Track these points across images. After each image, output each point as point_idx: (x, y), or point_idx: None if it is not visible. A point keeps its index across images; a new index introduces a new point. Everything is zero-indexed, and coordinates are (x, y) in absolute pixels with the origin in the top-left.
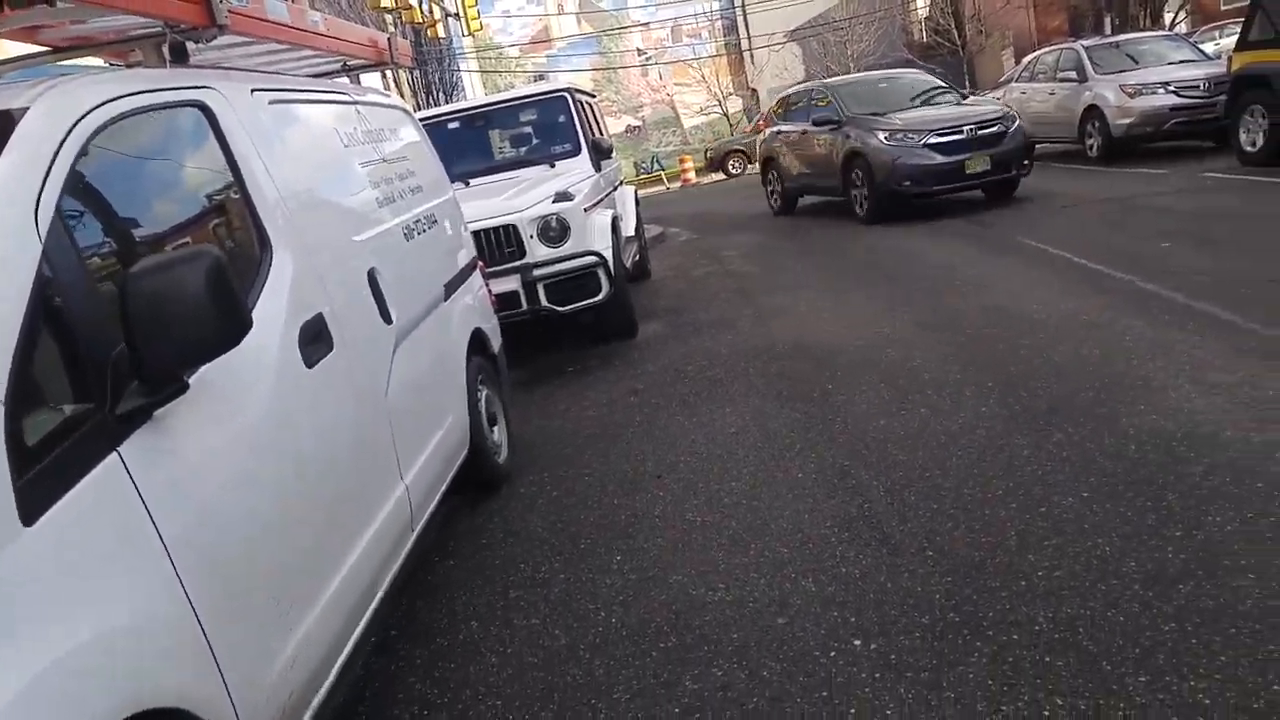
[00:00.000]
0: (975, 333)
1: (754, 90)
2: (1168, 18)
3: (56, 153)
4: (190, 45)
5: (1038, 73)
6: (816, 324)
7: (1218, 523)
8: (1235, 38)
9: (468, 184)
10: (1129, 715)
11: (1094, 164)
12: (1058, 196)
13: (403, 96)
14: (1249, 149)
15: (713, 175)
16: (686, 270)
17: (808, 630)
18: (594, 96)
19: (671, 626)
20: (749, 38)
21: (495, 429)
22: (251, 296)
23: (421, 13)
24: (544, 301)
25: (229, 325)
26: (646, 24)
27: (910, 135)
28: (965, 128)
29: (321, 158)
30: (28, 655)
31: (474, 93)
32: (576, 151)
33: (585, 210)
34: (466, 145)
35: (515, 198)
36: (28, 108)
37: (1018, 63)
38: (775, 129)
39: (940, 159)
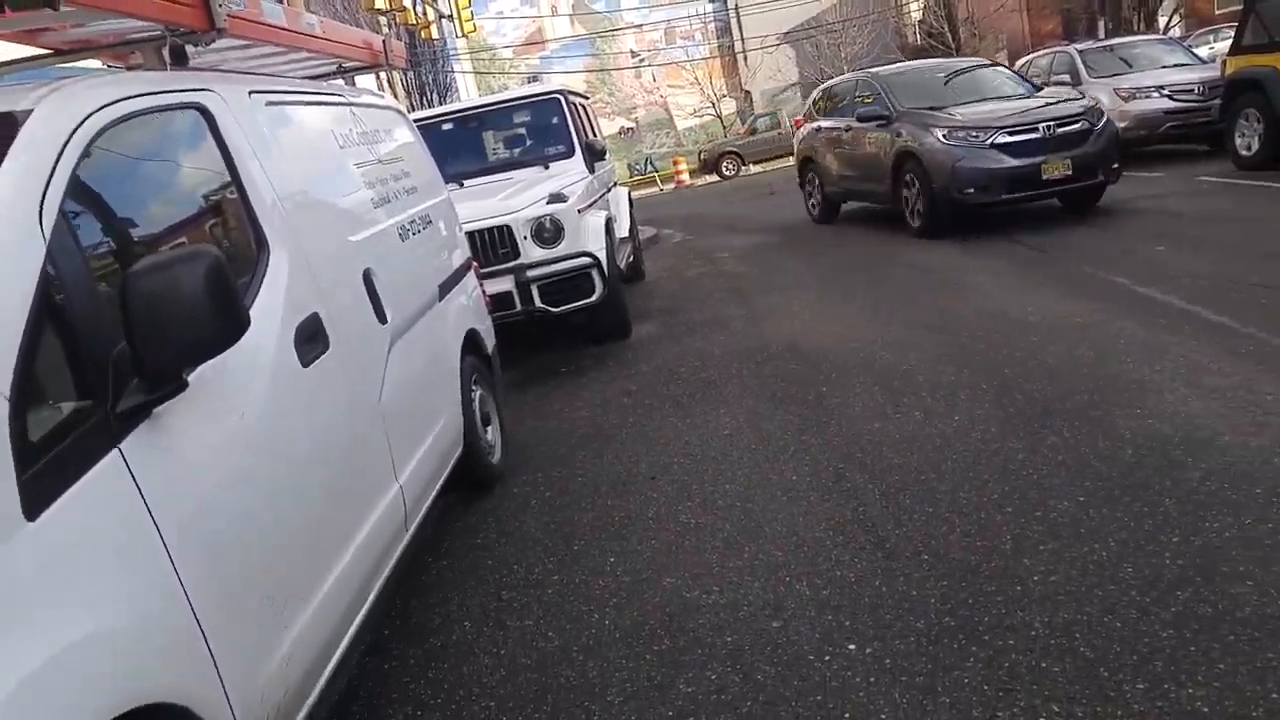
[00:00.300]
0: (971, 335)
1: (747, 92)
2: (1161, 21)
3: (60, 154)
4: (189, 48)
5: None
6: (809, 326)
7: (1215, 528)
8: (1228, 42)
9: (462, 185)
10: None
11: None
12: None
13: (397, 98)
14: (1244, 153)
15: (706, 177)
16: (680, 271)
17: (802, 634)
18: (587, 98)
19: (665, 629)
20: (742, 40)
21: (489, 429)
22: (249, 296)
23: (416, 14)
24: (538, 302)
25: (227, 324)
26: (640, 26)
27: (974, 133)
28: (1041, 125)
29: (317, 159)
30: (29, 648)
31: (468, 94)
32: (570, 153)
33: (579, 211)
34: (461, 146)
35: (509, 199)
36: (32, 110)
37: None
38: (815, 126)
39: (1011, 161)
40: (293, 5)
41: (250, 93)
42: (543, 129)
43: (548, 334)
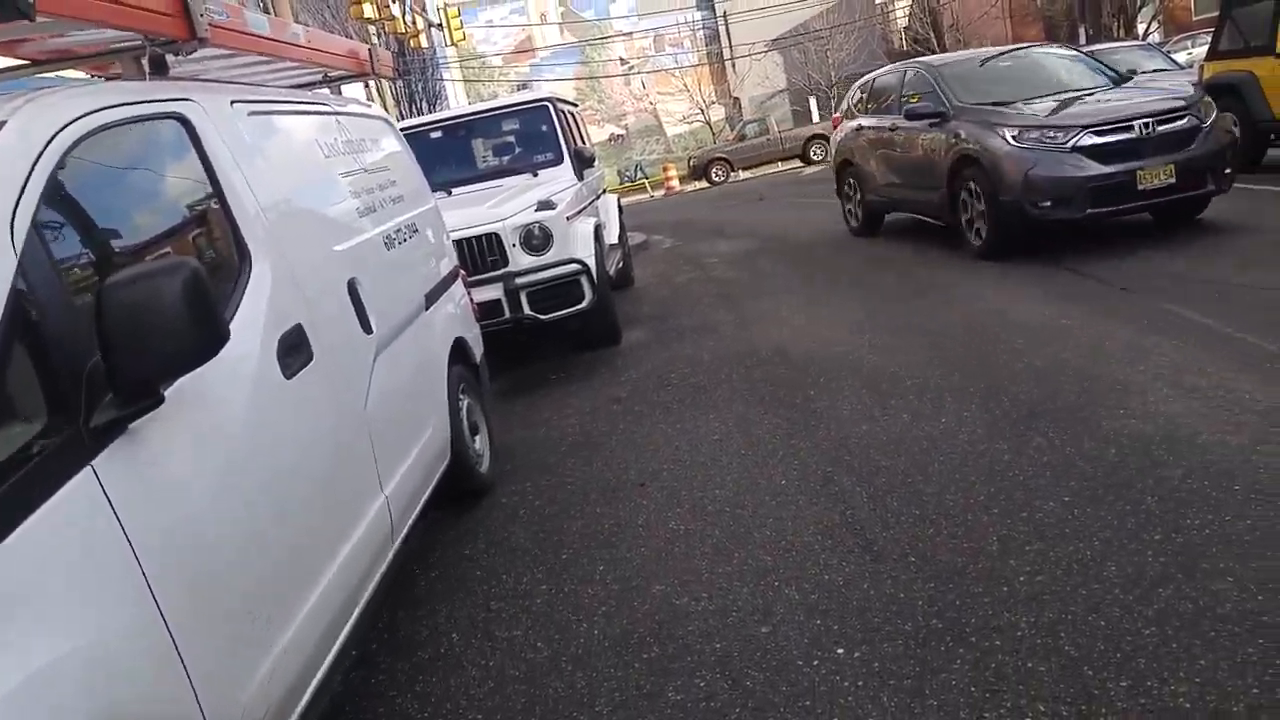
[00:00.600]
0: (953, 339)
1: (736, 99)
2: (1140, 28)
3: (33, 166)
4: (170, 58)
5: None
6: (797, 331)
7: (1196, 526)
8: (1206, 47)
9: (450, 193)
10: None
11: None
12: None
13: (386, 107)
14: None
15: (696, 183)
16: (670, 277)
17: (791, 639)
18: (576, 105)
19: (654, 637)
20: (731, 47)
21: (477, 438)
22: (230, 307)
23: (405, 23)
24: (527, 310)
25: (206, 337)
26: (629, 34)
27: (1052, 134)
28: (1137, 122)
29: (301, 168)
30: None
31: (457, 102)
32: (559, 160)
33: (568, 218)
34: (449, 154)
35: (497, 206)
36: (5, 121)
37: None
38: (855, 124)
39: (1099, 168)
40: (280, 15)
41: (232, 102)
42: (531, 136)
43: (537, 342)
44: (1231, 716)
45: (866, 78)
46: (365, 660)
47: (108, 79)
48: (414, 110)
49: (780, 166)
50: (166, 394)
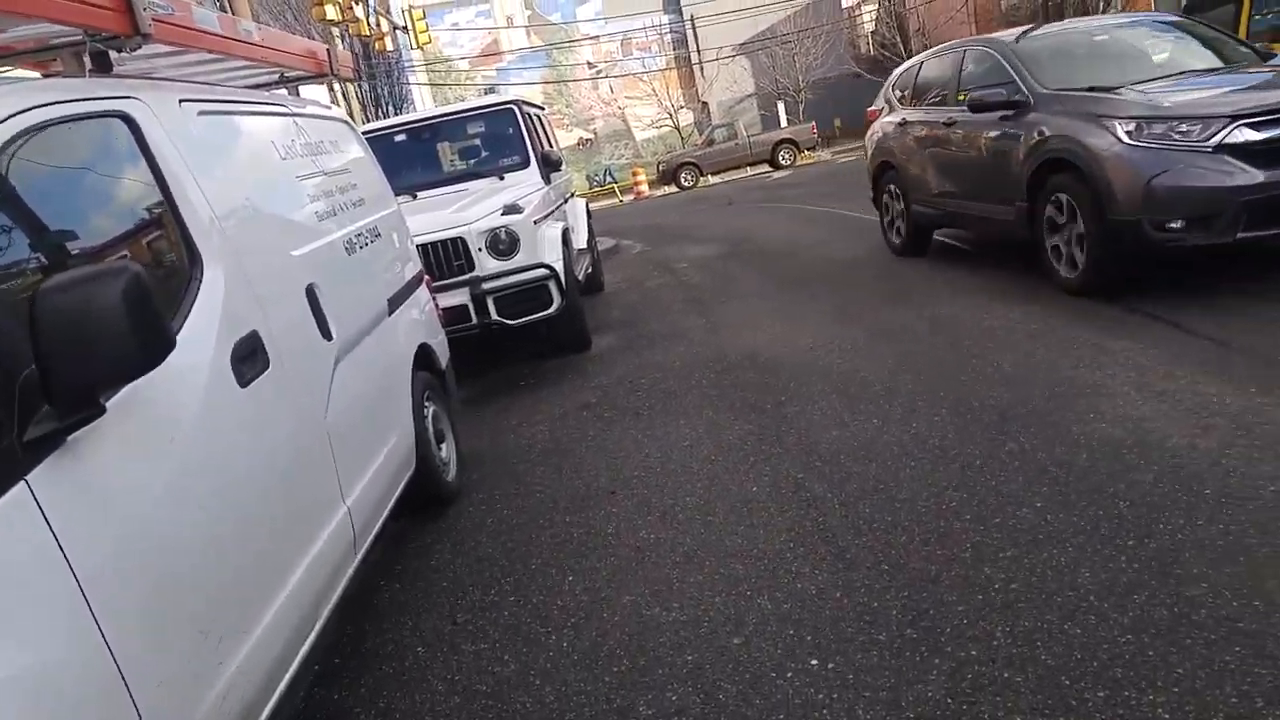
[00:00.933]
0: (925, 340)
1: (705, 103)
2: None
3: None
4: (116, 55)
5: None
6: (768, 336)
7: (1168, 530)
8: None
9: (415, 197)
10: None
11: None
12: None
13: (351, 110)
14: None
15: (665, 188)
16: (640, 282)
17: (764, 650)
18: (543, 108)
19: (625, 649)
20: (699, 51)
21: (443, 446)
22: (179, 314)
23: (369, 25)
24: (494, 315)
25: (149, 345)
26: (596, 37)
27: (1187, 127)
28: None
29: (256, 170)
30: None
31: (424, 106)
32: (525, 164)
33: (535, 222)
34: (413, 158)
35: (463, 210)
36: None
37: None
38: (897, 118)
39: (1256, 174)
40: (238, 12)
41: (180, 101)
42: (497, 140)
43: (505, 347)
44: None
45: (910, 62)
46: (327, 675)
47: (45, 77)
48: (380, 114)
49: (749, 171)
50: (109, 404)
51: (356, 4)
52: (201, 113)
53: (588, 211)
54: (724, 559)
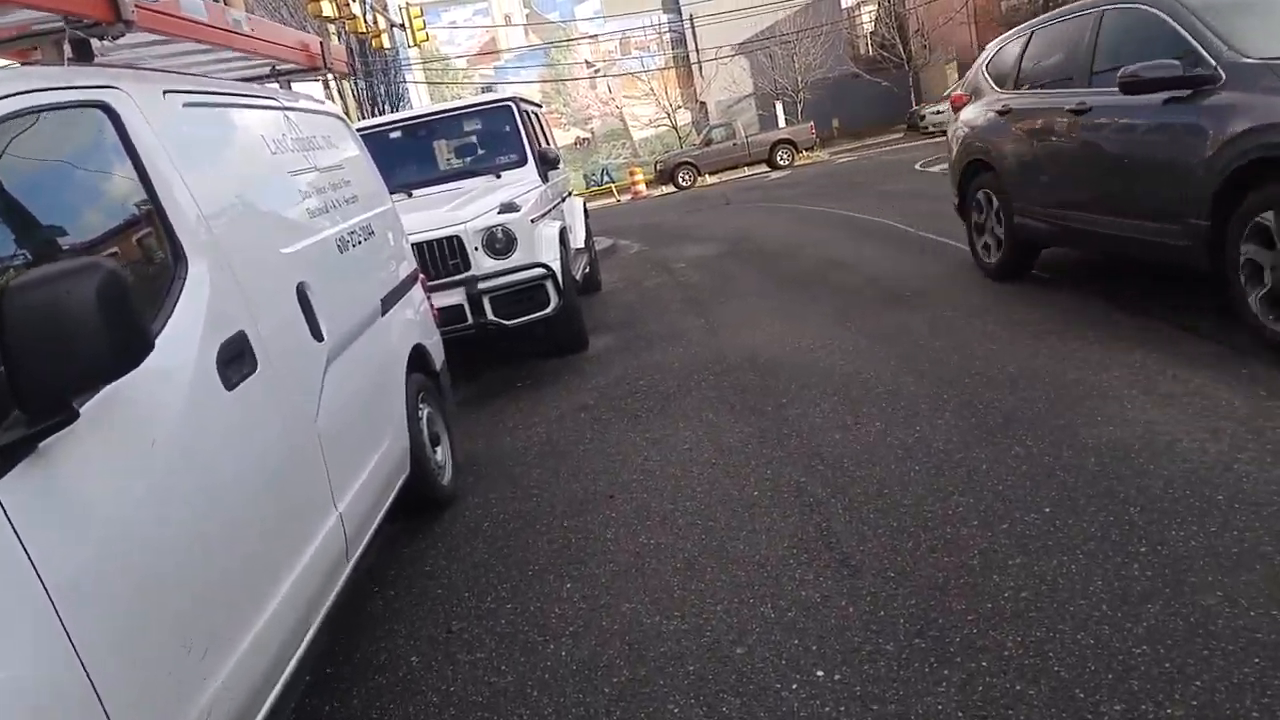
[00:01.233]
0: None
1: (703, 103)
2: None
3: None
4: (98, 43)
5: None
6: (767, 336)
7: (1181, 537)
8: None
9: (410, 195)
10: None
11: None
12: None
13: (347, 108)
14: None
15: (663, 187)
16: (637, 282)
17: (768, 661)
18: (540, 106)
19: (624, 659)
20: (697, 50)
21: (438, 449)
22: (161, 313)
23: (366, 23)
24: (490, 315)
25: (125, 346)
26: (595, 36)
27: None
28: None
29: (245, 165)
30: None
31: (421, 104)
32: (523, 162)
33: (532, 221)
34: (409, 155)
35: (459, 208)
36: None
37: (960, 77)
38: (996, 106)
39: None
40: (230, 3)
41: (165, 92)
42: (494, 137)
43: (502, 348)
44: None
45: (1011, 33)
46: (319, 685)
47: (24, 65)
48: (376, 112)
49: (746, 171)
50: (83, 409)
51: (353, 1)
52: (187, 104)
53: (585, 210)
54: (725, 565)
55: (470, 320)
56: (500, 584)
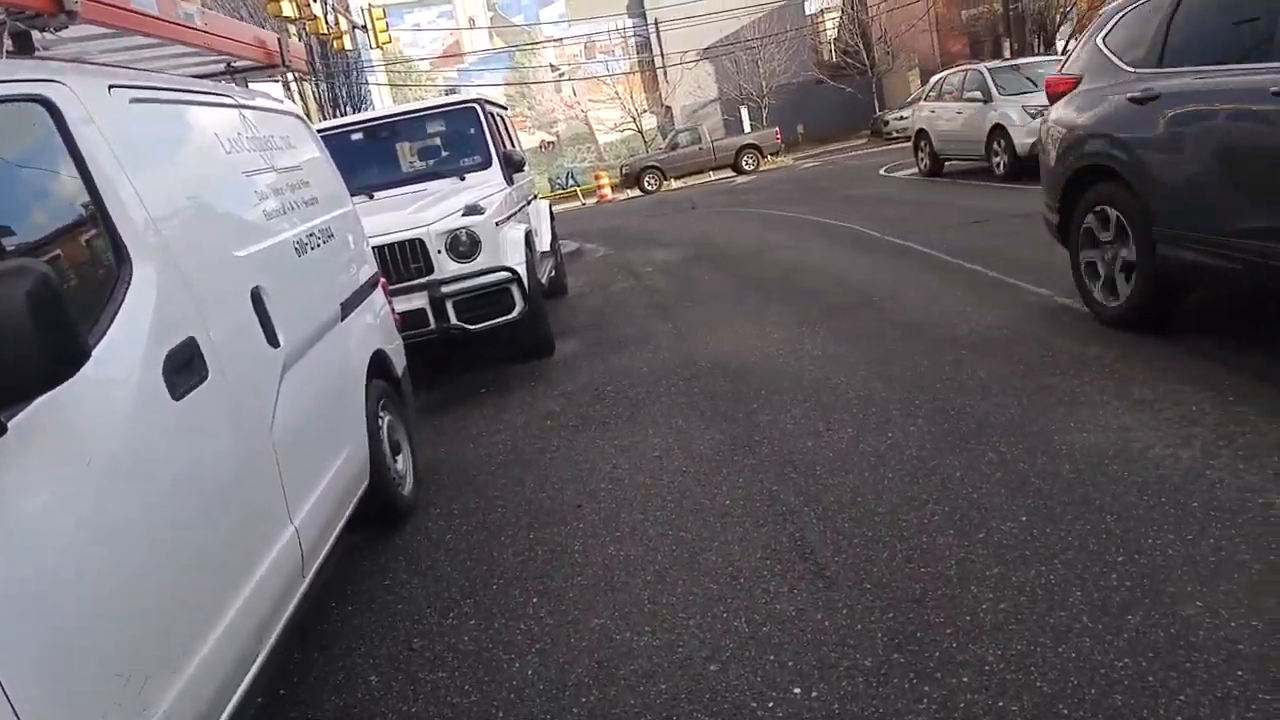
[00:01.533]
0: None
1: (668, 107)
2: (1060, 44)
3: None
4: (41, 36)
5: (945, 92)
6: (735, 340)
7: (1159, 545)
8: None
9: (372, 197)
10: None
11: (1001, 181)
12: (970, 212)
13: (309, 110)
14: None
15: (628, 191)
16: (604, 286)
17: (742, 678)
18: (506, 108)
19: (594, 678)
20: (662, 55)
21: (399, 458)
22: (102, 320)
23: (326, 24)
24: (454, 319)
25: (58, 354)
26: (560, 40)
27: None
28: None
29: (196, 164)
30: None
31: (384, 107)
32: (487, 164)
33: (497, 224)
34: (372, 157)
35: (422, 211)
36: None
37: (923, 84)
38: (1132, 91)
39: None
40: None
41: (110, 87)
42: (458, 139)
43: (465, 354)
44: None
45: None
46: (271, 708)
47: None
48: (338, 114)
49: (712, 176)
50: (12, 423)
51: (314, 1)
52: (135, 100)
53: (551, 213)
54: (697, 578)
55: (433, 325)
56: (464, 599)
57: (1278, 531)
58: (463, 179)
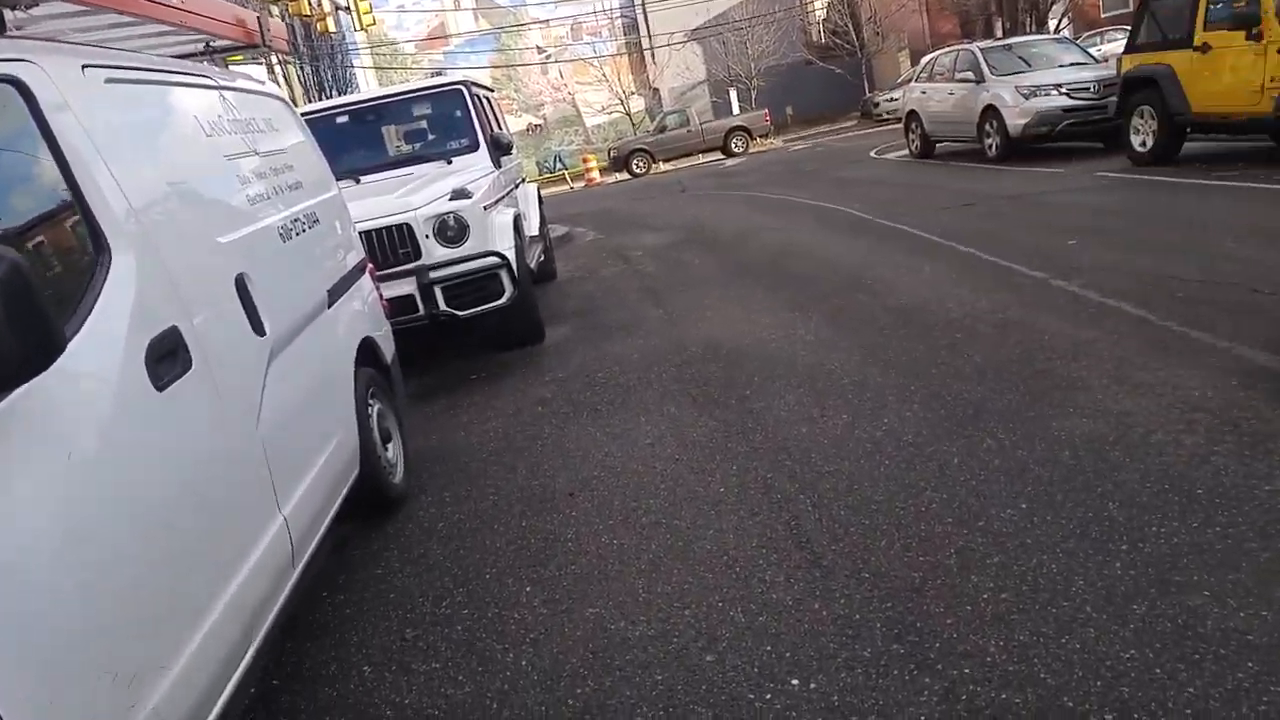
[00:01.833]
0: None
1: (656, 90)
2: (1052, 23)
3: None
4: (12, 15)
5: (936, 73)
6: (726, 325)
7: (1163, 534)
8: (1115, 43)
9: (358, 181)
10: None
11: (993, 163)
12: (962, 194)
13: (293, 94)
14: (1139, 149)
15: (617, 175)
16: (594, 270)
17: (739, 669)
18: (492, 90)
19: (588, 668)
20: (650, 36)
21: (389, 446)
22: (80, 310)
23: (309, 5)
24: (442, 306)
25: (30, 346)
26: (546, 21)
27: None
28: None
29: (176, 147)
30: None
31: (369, 89)
32: (475, 147)
33: (485, 208)
34: (357, 140)
35: (409, 195)
36: None
37: (914, 64)
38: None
39: None
40: None
41: (84, 66)
42: (445, 122)
43: (455, 340)
44: None
45: None
46: (264, 699)
47: None
48: (322, 98)
49: (701, 159)
50: None
51: None
52: (110, 80)
53: (539, 197)
54: (692, 566)
55: (421, 311)
56: (456, 588)
57: None
58: (450, 163)
